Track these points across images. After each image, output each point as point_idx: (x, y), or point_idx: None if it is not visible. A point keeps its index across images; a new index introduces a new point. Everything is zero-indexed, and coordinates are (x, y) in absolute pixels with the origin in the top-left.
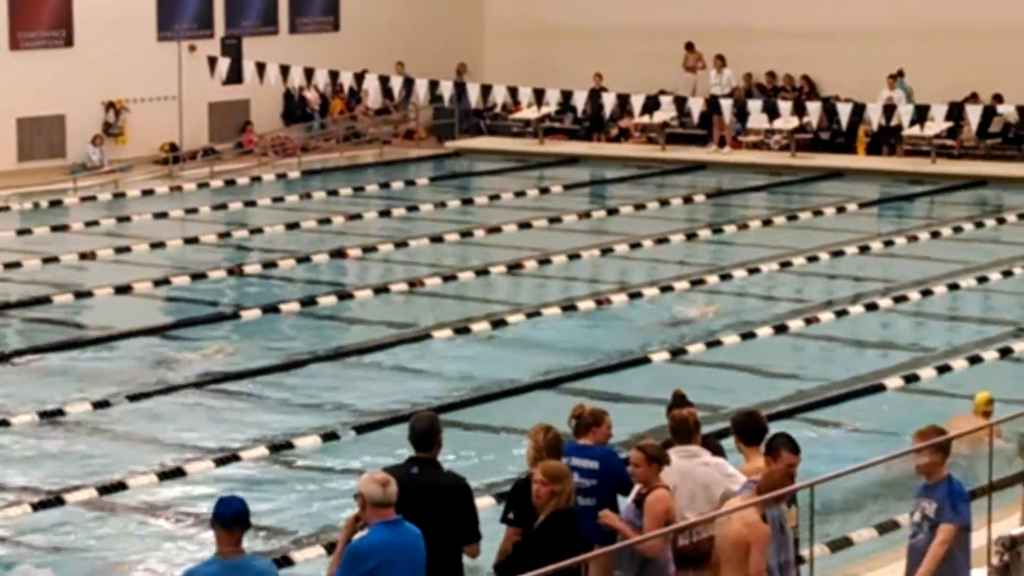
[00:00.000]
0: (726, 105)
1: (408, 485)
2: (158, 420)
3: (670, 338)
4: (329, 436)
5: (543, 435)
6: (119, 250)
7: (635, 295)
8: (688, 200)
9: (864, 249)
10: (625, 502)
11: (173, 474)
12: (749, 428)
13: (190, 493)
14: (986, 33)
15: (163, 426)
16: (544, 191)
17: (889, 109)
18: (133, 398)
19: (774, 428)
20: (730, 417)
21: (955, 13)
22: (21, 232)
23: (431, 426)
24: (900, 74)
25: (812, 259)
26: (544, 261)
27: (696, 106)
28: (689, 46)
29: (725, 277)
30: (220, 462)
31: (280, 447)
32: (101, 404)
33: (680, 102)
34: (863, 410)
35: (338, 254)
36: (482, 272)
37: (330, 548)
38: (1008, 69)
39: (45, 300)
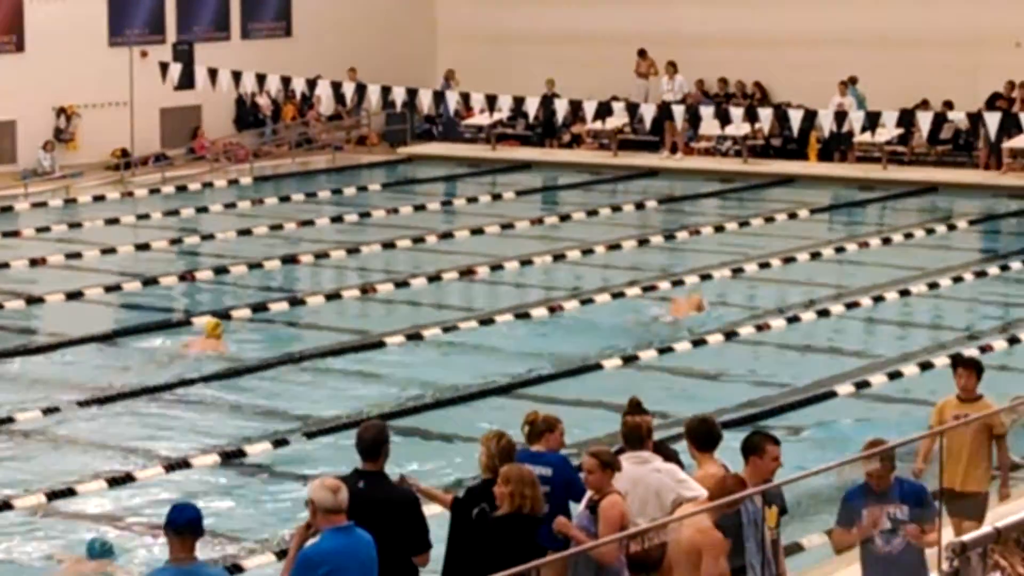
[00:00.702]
0: (678, 111)
1: (355, 499)
2: (109, 426)
3: (622, 344)
4: (280, 442)
5: (495, 442)
6: (70, 256)
7: (587, 301)
8: (640, 206)
9: (816, 255)
10: (577, 508)
11: (123, 480)
12: (702, 434)
13: (140, 499)
14: (937, 41)
15: (113, 432)
16: (496, 197)
17: (840, 116)
18: (84, 404)
19: (727, 435)
20: (684, 423)
21: (906, 21)
22: None
23: (379, 435)
24: (852, 81)
25: (764, 265)
26: (496, 267)
27: (648, 112)
28: (642, 52)
29: (677, 283)
30: (170, 468)
31: (231, 453)
32: (51, 410)
33: (632, 108)
34: (815, 416)
35: (290, 260)
36: (434, 278)
37: (281, 555)
38: (958, 76)
39: None
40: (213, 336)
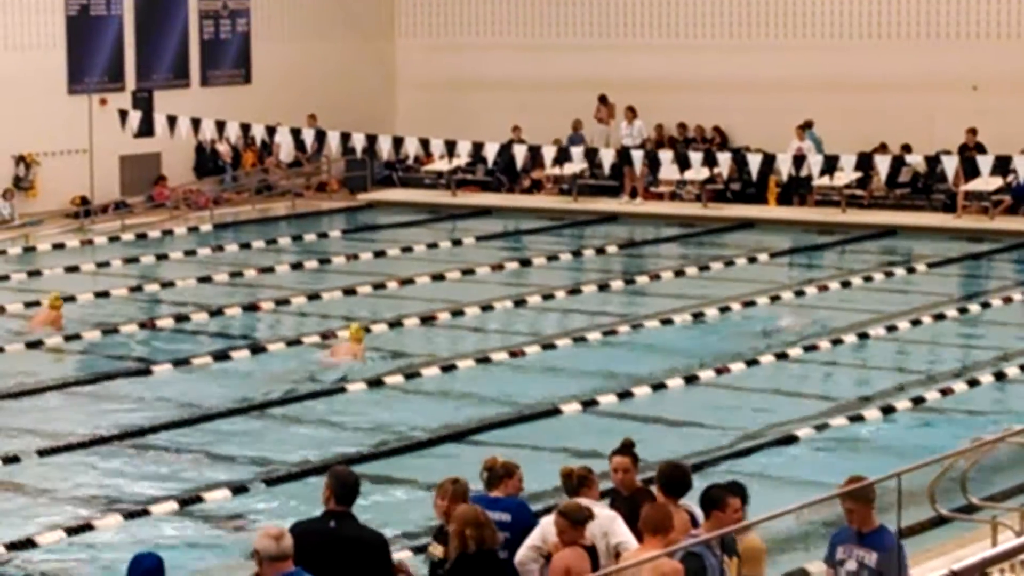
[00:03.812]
0: (637, 156)
1: (327, 539)
2: (68, 475)
3: (582, 389)
4: (239, 489)
5: (451, 487)
6: (29, 304)
7: (548, 346)
8: (600, 251)
9: (775, 299)
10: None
11: (82, 529)
12: (675, 480)
13: (100, 548)
14: (894, 84)
15: (73, 481)
16: (457, 243)
17: (799, 159)
18: (44, 453)
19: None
20: (657, 466)
21: (863, 65)
22: None
23: (355, 480)
24: (809, 125)
25: (724, 309)
26: (457, 312)
27: (607, 157)
28: (603, 98)
29: (637, 327)
30: (130, 516)
31: (190, 501)
32: (11, 460)
33: (591, 153)
34: (774, 460)
35: (251, 307)
36: (395, 324)
37: None
38: (916, 119)
39: None
40: (355, 339)
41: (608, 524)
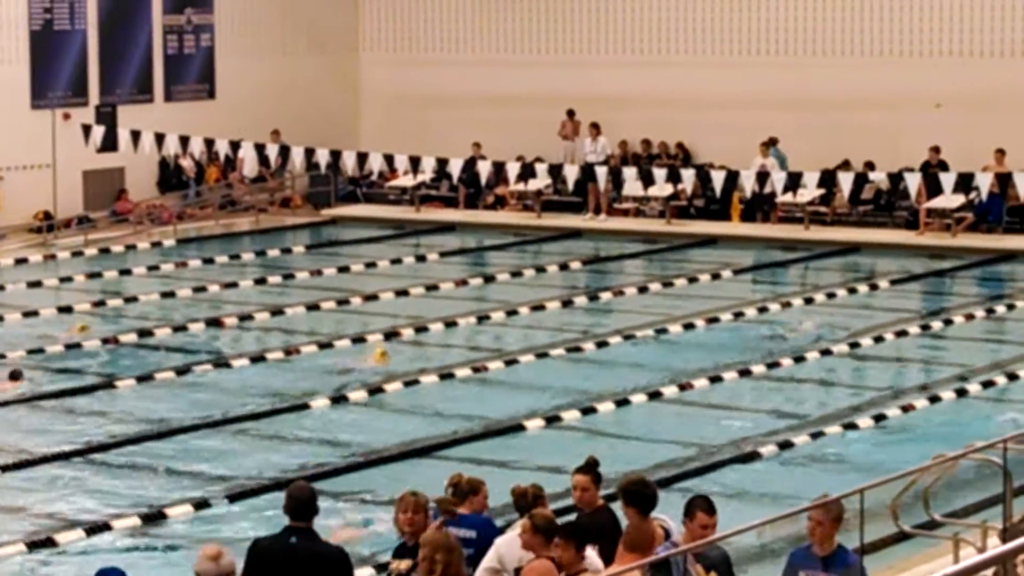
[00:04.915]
0: (601, 173)
1: (287, 555)
2: (29, 490)
3: (546, 405)
4: (202, 504)
5: (411, 500)
6: None
7: (511, 362)
8: (564, 267)
9: (739, 315)
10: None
11: (43, 544)
12: (642, 496)
13: (62, 564)
14: (857, 102)
15: (34, 496)
16: (421, 259)
17: (763, 176)
18: (5, 468)
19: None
20: (621, 480)
21: (826, 82)
22: None
23: (310, 495)
24: (773, 142)
25: (688, 326)
26: (421, 328)
27: (571, 174)
28: (570, 113)
29: (601, 344)
30: (91, 531)
31: (152, 516)
32: None
33: (555, 170)
34: (736, 476)
35: (214, 323)
36: (359, 340)
37: None
38: (879, 137)
39: None
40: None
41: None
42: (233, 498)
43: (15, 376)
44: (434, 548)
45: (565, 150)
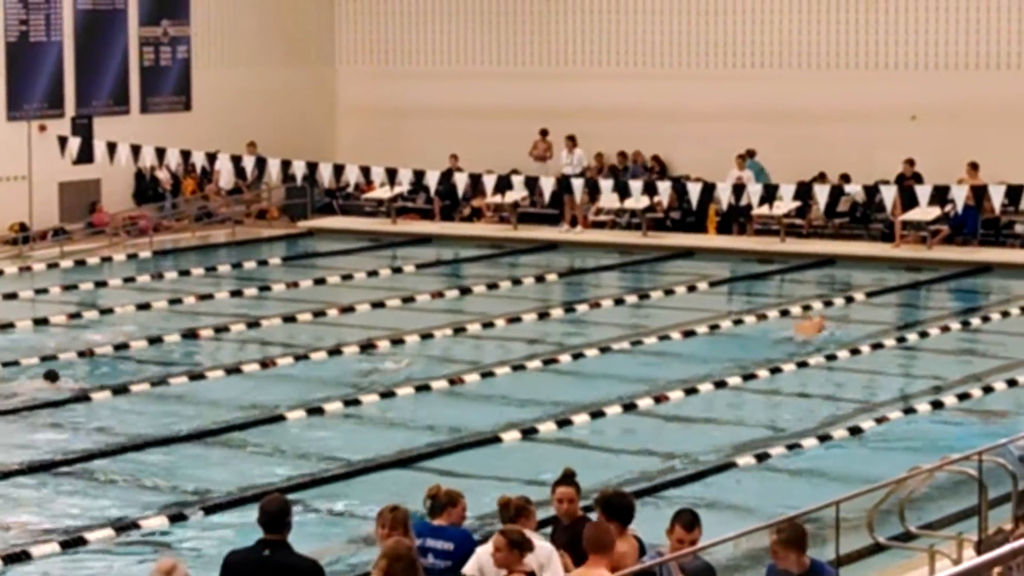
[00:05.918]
0: (577, 185)
1: (260, 567)
2: (5, 502)
3: (522, 417)
4: (177, 517)
5: (390, 515)
6: None
7: (487, 374)
8: (540, 279)
9: (714, 328)
10: None
11: (17, 557)
12: (620, 507)
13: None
14: (833, 114)
15: (9, 508)
16: (397, 271)
17: (739, 188)
18: None
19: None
20: (599, 493)
21: (802, 95)
22: None
23: (282, 508)
24: (749, 154)
25: (664, 338)
26: (397, 341)
27: (547, 186)
28: (543, 132)
29: (577, 356)
30: (66, 544)
31: (126, 528)
32: None
33: (531, 182)
34: (714, 488)
35: (190, 334)
36: (335, 352)
37: None
38: (855, 149)
39: None
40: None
41: (545, 557)
42: (208, 510)
43: (52, 377)
44: (393, 558)
45: (538, 170)
